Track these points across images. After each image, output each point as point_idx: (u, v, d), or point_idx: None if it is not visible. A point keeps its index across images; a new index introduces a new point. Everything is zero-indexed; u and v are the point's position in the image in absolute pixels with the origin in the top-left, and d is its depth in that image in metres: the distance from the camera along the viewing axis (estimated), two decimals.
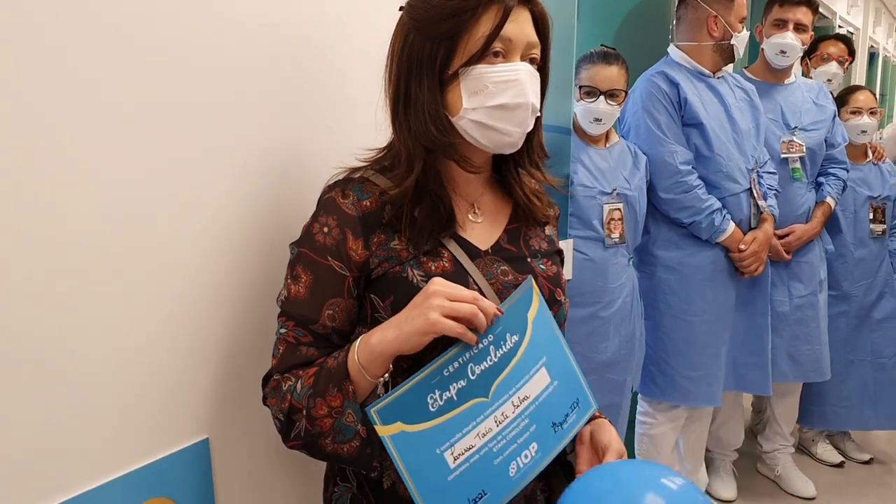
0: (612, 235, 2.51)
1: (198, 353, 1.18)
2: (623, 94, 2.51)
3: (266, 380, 1.14)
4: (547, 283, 1.23)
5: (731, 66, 3.01)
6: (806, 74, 3.63)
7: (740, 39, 2.71)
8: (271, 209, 1.29)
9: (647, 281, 2.77)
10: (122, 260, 1.05)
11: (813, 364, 3.08)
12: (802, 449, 3.72)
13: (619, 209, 2.52)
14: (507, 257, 1.20)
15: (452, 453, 1.04)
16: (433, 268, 1.12)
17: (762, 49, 3.11)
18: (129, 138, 1.04)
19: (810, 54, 3.61)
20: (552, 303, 1.21)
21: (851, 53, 3.65)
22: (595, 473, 1.09)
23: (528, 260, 1.22)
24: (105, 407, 1.05)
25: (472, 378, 1.06)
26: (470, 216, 1.20)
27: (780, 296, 3.03)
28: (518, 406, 1.09)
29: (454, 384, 1.05)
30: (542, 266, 1.24)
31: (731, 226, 2.71)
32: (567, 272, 2.37)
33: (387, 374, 1.06)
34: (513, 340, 1.10)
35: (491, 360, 1.08)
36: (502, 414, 1.08)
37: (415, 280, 1.11)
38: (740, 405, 3.36)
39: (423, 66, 1.10)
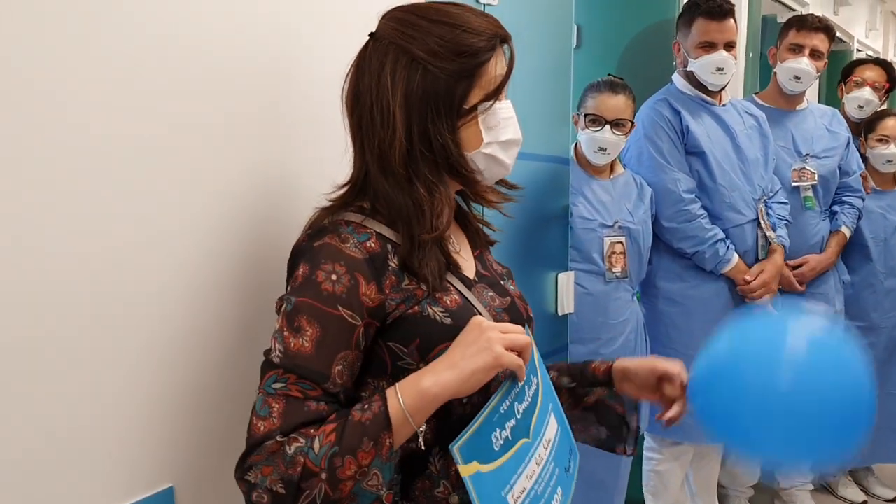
0: (614, 269, 2.46)
1: (162, 396, 1.14)
2: (629, 124, 2.47)
3: (254, 448, 0.98)
4: (522, 302, 1.25)
5: (737, 91, 2.94)
6: (839, 99, 3.54)
7: (698, 65, 2.64)
8: (245, 251, 1.25)
9: (649, 313, 2.71)
10: (85, 300, 1.02)
11: None
12: (824, 486, 3.60)
13: (621, 243, 2.47)
14: (489, 283, 1.21)
15: (513, 496, 1.01)
16: (448, 302, 1.10)
17: (774, 73, 3.05)
18: (100, 172, 1.02)
19: (845, 78, 3.50)
20: (529, 321, 1.24)
21: (891, 80, 3.48)
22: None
23: (502, 283, 1.25)
24: (62, 450, 1.01)
25: (519, 417, 1.04)
26: (452, 248, 1.18)
27: None
28: (546, 448, 1.08)
29: (508, 423, 1.02)
30: (511, 287, 1.27)
31: (736, 257, 2.64)
32: (568, 306, 2.32)
33: (425, 424, 1.02)
34: (535, 381, 1.09)
35: (527, 399, 1.06)
36: (539, 456, 1.06)
37: (437, 318, 1.08)
38: None
39: (441, 102, 1.08)
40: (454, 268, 1.15)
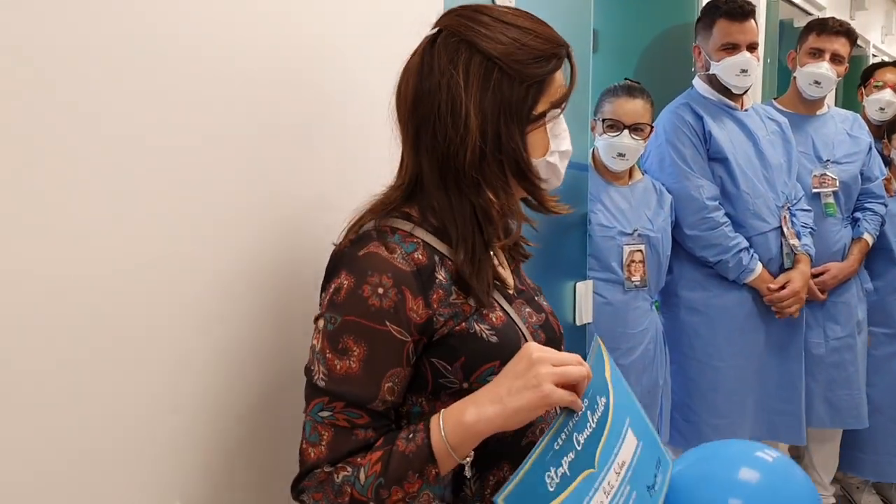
0: (633, 278, 2.40)
1: (170, 412, 1.10)
2: (648, 128, 2.42)
3: (306, 473, 1.00)
4: (554, 318, 1.22)
5: (755, 97, 2.89)
6: (859, 102, 3.48)
7: (721, 67, 2.58)
8: (272, 266, 1.22)
9: (670, 323, 2.66)
10: (94, 314, 0.99)
11: (851, 410, 2.92)
12: (847, 496, 3.52)
13: (640, 251, 2.41)
14: (525, 298, 1.18)
15: None
16: (494, 319, 1.06)
17: (794, 78, 2.99)
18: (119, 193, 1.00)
19: (865, 81, 3.44)
20: (561, 337, 1.21)
21: None
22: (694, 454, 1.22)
23: (536, 298, 1.21)
24: (68, 465, 0.97)
25: (579, 448, 0.98)
26: (495, 261, 1.14)
27: (816, 338, 2.89)
28: (619, 473, 1.03)
29: (565, 457, 0.96)
30: (545, 303, 1.23)
31: (759, 266, 2.58)
32: (587, 315, 2.27)
33: (472, 452, 0.97)
34: (602, 403, 1.04)
35: (590, 427, 1.00)
36: (609, 484, 1.00)
37: (484, 335, 1.04)
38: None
39: (514, 105, 1.04)
40: (499, 283, 1.11)
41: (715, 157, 2.58)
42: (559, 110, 1.09)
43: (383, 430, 1.00)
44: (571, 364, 0.96)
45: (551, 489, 0.93)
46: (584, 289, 2.25)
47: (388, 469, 0.94)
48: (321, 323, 1.01)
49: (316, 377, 1.00)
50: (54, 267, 0.94)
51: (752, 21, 2.57)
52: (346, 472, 0.96)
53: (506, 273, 1.17)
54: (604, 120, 2.40)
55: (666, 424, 2.62)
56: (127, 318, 1.03)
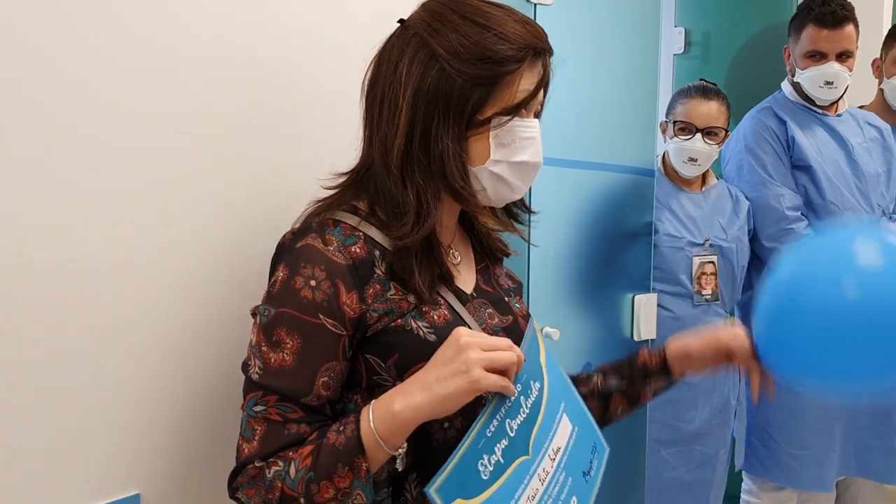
0: (704, 292, 2.26)
1: (130, 402, 1.11)
2: (723, 132, 2.27)
3: (239, 470, 0.99)
4: (525, 322, 1.17)
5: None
6: (877, 80, 3.03)
7: (805, 77, 2.39)
8: (228, 259, 1.22)
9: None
10: (56, 303, 1.01)
11: None
12: None
13: (712, 262, 2.27)
14: (490, 299, 1.14)
15: None
16: (435, 318, 1.03)
17: (880, 89, 2.69)
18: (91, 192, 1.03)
19: (886, 50, 2.97)
20: None
21: None
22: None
23: (506, 300, 1.18)
24: (27, 452, 0.99)
25: (512, 435, 0.97)
26: (451, 259, 1.11)
27: None
28: (554, 459, 1.02)
29: (498, 445, 0.95)
30: (517, 305, 1.20)
31: None
32: (647, 330, 2.15)
33: (405, 444, 0.94)
34: (536, 388, 1.02)
35: (524, 413, 0.99)
36: (544, 470, 0.99)
37: (420, 333, 1.01)
38: (883, 488, 2.92)
39: (451, 106, 1.00)
40: (448, 280, 1.07)
41: (798, 165, 2.40)
42: (508, 118, 1.02)
43: (318, 425, 0.98)
44: (502, 349, 0.93)
45: (485, 477, 0.91)
46: (645, 301, 2.14)
47: (318, 463, 0.92)
48: (257, 316, 1.00)
49: (252, 371, 0.99)
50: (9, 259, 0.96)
51: (848, 28, 2.34)
52: (277, 467, 0.95)
53: (462, 272, 1.13)
54: (675, 122, 2.27)
55: (740, 448, 2.46)
56: (89, 307, 1.05)
